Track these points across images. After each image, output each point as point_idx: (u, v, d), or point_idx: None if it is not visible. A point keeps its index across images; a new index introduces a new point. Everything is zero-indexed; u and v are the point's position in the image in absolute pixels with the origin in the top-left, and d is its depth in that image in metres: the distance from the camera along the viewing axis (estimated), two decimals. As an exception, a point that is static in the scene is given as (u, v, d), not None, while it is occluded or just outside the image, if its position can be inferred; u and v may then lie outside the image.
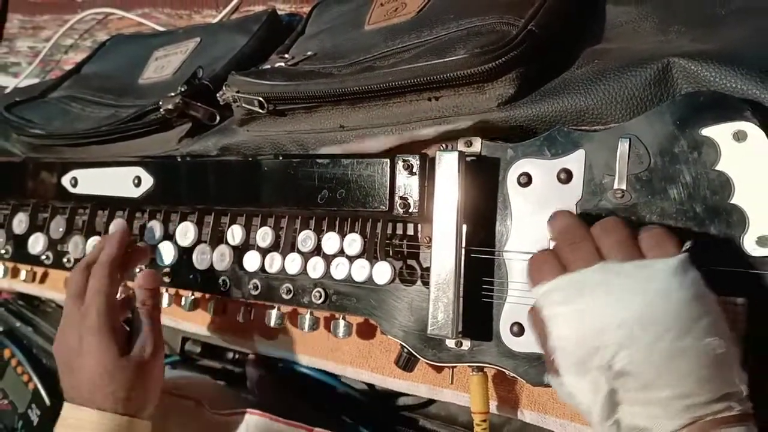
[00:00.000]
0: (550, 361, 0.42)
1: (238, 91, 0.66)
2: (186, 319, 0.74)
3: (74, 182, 0.72)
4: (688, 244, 0.40)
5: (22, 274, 0.84)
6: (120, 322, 0.61)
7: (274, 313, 0.63)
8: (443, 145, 0.54)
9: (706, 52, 0.48)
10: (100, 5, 1.12)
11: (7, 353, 0.94)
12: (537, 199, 0.50)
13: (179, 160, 0.67)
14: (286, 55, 0.73)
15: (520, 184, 0.51)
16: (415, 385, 0.61)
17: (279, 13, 0.89)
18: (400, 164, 0.52)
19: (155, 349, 0.60)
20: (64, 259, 0.75)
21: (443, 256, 0.50)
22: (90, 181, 0.71)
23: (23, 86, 1.17)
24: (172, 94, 0.73)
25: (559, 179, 0.50)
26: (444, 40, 0.59)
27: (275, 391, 0.74)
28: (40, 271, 0.86)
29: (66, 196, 0.72)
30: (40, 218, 0.77)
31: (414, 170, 0.52)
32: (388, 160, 0.52)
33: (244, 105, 0.66)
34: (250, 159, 0.60)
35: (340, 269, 0.56)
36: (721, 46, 0.49)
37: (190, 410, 0.65)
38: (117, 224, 0.68)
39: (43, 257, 0.76)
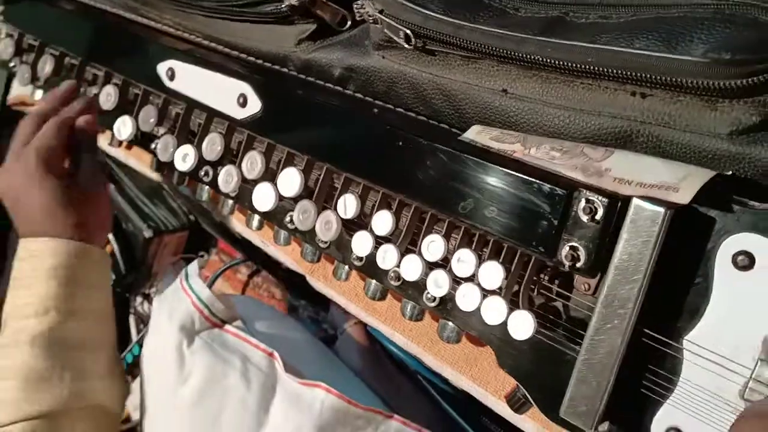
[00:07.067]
0: None
1: (381, 11, 0.52)
2: (282, 252, 0.66)
3: (171, 74, 0.60)
4: None
5: (107, 136, 0.76)
6: (62, 161, 0.63)
7: (373, 284, 0.54)
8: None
9: None
10: None
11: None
12: (754, 293, 0.37)
13: (298, 92, 0.54)
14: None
15: (735, 264, 0.38)
16: (521, 420, 0.52)
17: None
18: (581, 204, 0.39)
19: (95, 176, 0.63)
20: (152, 144, 0.66)
21: (608, 334, 0.39)
22: (189, 79, 0.59)
23: None
24: (299, -15, 0.58)
25: (795, 278, 0.36)
26: (676, 16, 0.42)
27: (359, 347, 0.67)
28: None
29: (160, 86, 0.62)
30: (132, 93, 0.67)
31: (597, 217, 0.39)
32: (566, 194, 0.39)
33: (386, 31, 0.52)
34: (388, 127, 0.48)
35: (468, 300, 0.45)
36: None
37: (260, 363, 0.59)
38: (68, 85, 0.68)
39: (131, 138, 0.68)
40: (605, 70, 0.43)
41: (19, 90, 0.94)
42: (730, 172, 0.41)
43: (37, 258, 0.57)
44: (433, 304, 0.49)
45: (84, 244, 0.59)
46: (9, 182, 0.60)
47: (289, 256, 0.65)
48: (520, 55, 0.46)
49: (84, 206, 0.60)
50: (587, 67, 0.43)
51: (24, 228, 0.60)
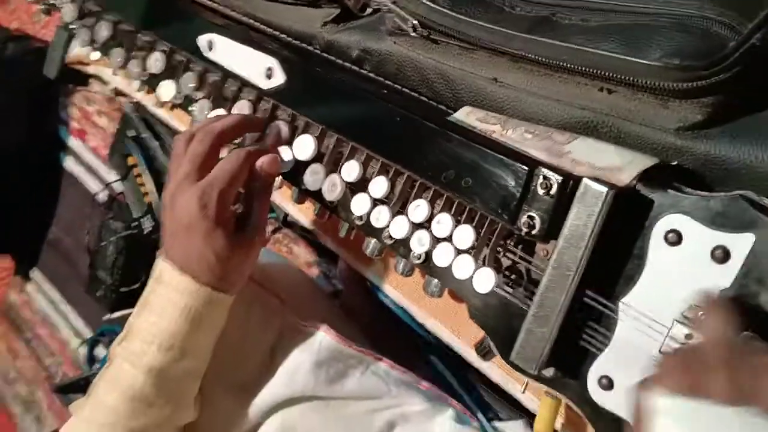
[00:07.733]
0: None
1: (394, 2, 0.59)
2: (298, 210, 0.74)
3: (210, 45, 0.68)
4: None
5: (152, 98, 0.85)
6: (234, 202, 0.59)
7: (372, 243, 0.62)
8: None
9: None
10: None
11: (131, 160, 0.99)
12: (679, 266, 0.44)
13: (319, 69, 0.62)
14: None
15: (666, 240, 0.44)
16: (489, 367, 0.60)
17: None
18: (539, 180, 0.46)
19: (260, 232, 0.60)
20: (191, 107, 0.75)
21: (554, 291, 0.46)
22: (225, 51, 0.67)
23: None
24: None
25: (712, 255, 0.43)
26: (641, 24, 0.49)
27: (358, 292, 0.75)
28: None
29: (200, 56, 0.69)
30: (176, 60, 0.75)
31: (552, 192, 0.45)
32: (527, 171, 0.46)
33: (396, 20, 0.59)
34: (391, 105, 0.55)
35: (443, 256, 0.52)
36: None
37: (273, 308, 0.67)
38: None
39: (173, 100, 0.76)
40: (577, 67, 0.49)
41: (77, 50, 1.03)
42: (675, 162, 0.47)
43: (176, 292, 0.57)
44: (419, 261, 0.56)
45: (220, 294, 0.58)
46: (178, 214, 0.56)
47: (303, 214, 0.73)
48: (508, 49, 0.52)
49: (236, 256, 0.57)
50: (562, 63, 0.50)
51: (172, 255, 0.57)
